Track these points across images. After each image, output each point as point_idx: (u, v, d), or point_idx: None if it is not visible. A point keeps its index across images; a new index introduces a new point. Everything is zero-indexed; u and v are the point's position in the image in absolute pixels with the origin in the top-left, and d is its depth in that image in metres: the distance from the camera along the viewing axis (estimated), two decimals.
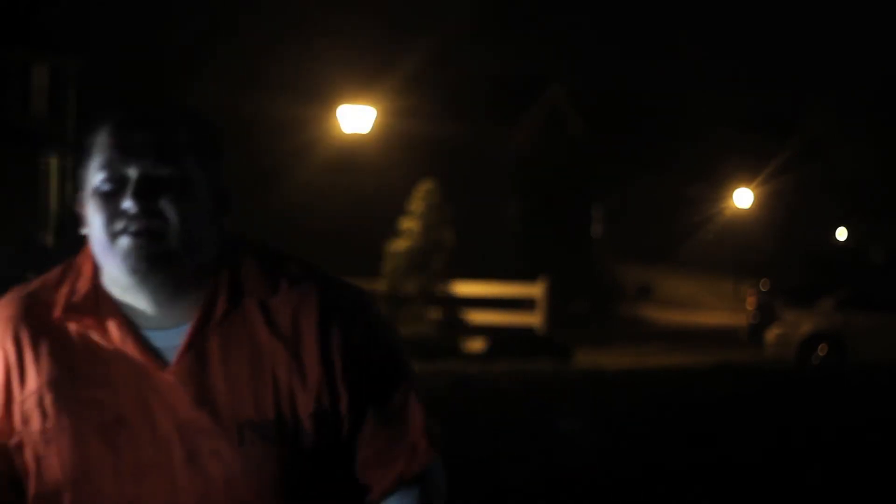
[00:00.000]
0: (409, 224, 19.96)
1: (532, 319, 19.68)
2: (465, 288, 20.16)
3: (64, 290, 1.79)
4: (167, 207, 1.70)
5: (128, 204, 1.69)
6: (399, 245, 19.82)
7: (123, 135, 1.73)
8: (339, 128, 22.01)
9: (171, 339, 1.76)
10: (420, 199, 20.03)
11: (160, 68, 29.07)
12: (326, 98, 23.83)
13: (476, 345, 18.32)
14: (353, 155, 27.43)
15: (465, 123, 32.65)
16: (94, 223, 1.72)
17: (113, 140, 1.73)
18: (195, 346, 1.75)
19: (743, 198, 40.64)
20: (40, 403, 1.77)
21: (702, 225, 43.20)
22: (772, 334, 19.67)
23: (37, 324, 1.79)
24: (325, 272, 1.87)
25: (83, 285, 1.79)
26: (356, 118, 21.59)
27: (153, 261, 1.70)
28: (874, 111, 45.05)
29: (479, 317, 19.87)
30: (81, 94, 27.46)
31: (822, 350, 19.04)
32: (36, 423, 1.77)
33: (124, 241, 1.70)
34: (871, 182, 44.24)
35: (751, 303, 26.15)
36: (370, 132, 22.40)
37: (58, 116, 26.99)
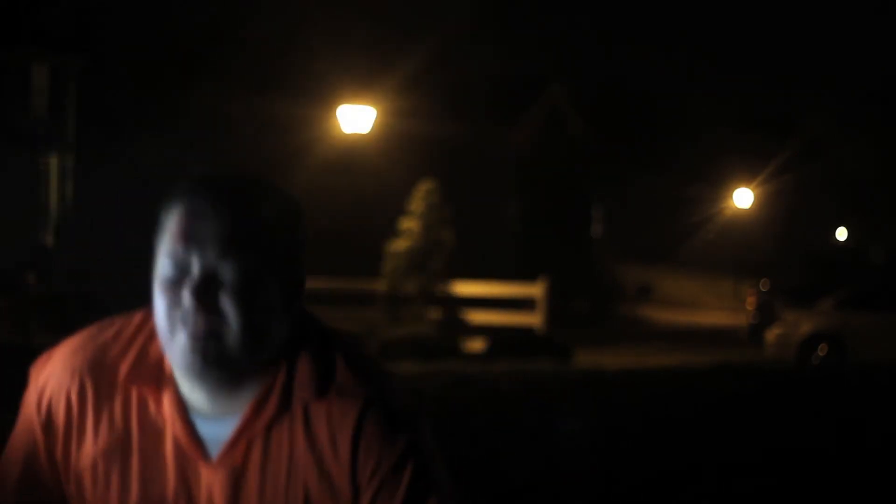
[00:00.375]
0: (409, 224, 19.96)
1: (532, 319, 19.68)
2: (465, 288, 20.17)
3: (133, 351, 1.76)
4: (228, 305, 1.64)
5: (187, 298, 1.63)
6: (399, 245, 19.83)
7: (190, 224, 1.64)
8: (339, 128, 22.00)
9: (219, 430, 1.73)
10: (420, 199, 20.03)
11: (161, 68, 29.06)
12: (326, 98, 23.84)
13: (476, 345, 18.31)
14: (353, 155, 27.43)
15: (465, 123, 32.66)
16: (158, 306, 1.68)
17: (179, 229, 1.65)
18: (238, 447, 1.72)
19: (743, 198, 40.66)
20: (93, 470, 1.76)
21: (702, 225, 43.21)
22: (772, 334, 19.67)
23: (103, 382, 1.76)
24: (379, 380, 1.77)
25: (153, 351, 1.75)
26: (356, 118, 21.59)
27: (209, 361, 1.65)
28: (874, 111, 45.04)
29: (479, 317, 19.87)
30: (81, 94, 27.46)
31: (822, 350, 19.04)
32: (87, 487, 1.77)
33: (181, 338, 1.65)
34: (871, 182, 44.22)
35: (751, 303, 26.18)
36: (370, 132, 22.40)
37: (58, 116, 26.98)
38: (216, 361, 1.65)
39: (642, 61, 44.62)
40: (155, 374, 1.74)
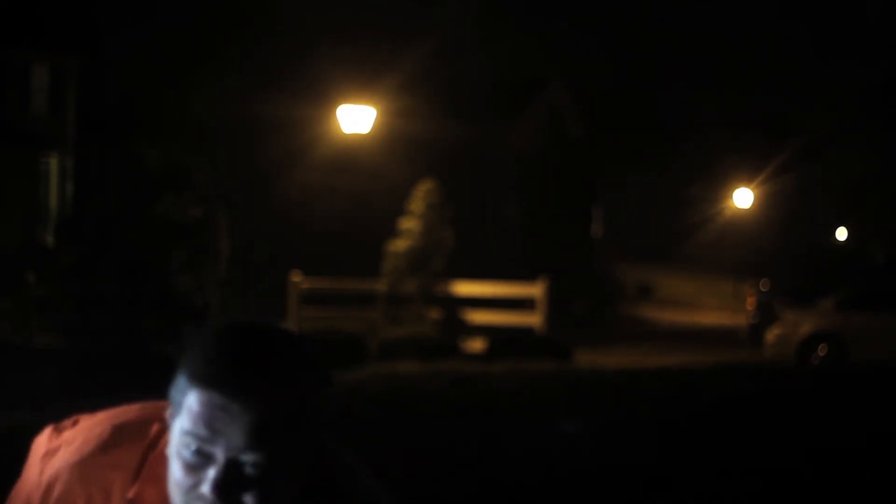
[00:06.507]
0: (409, 224, 19.96)
1: (532, 319, 19.67)
2: (465, 288, 20.17)
3: (146, 486, 1.64)
4: (250, 498, 1.51)
5: (206, 489, 1.51)
6: (399, 245, 19.82)
7: (215, 415, 1.50)
8: (339, 128, 22.01)
9: None
10: (420, 199, 20.03)
11: (161, 68, 29.06)
12: (326, 98, 23.84)
13: (476, 345, 18.31)
14: (353, 155, 27.44)
15: (464, 123, 32.68)
16: (173, 474, 1.55)
17: (202, 417, 1.51)
18: None
19: (743, 198, 40.66)
20: None
21: (702, 225, 43.21)
22: (772, 334, 19.67)
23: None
24: None
25: (152, 496, 1.64)
26: (356, 118, 21.60)
27: None
28: (874, 111, 45.06)
29: (479, 317, 19.87)
30: (81, 94, 27.48)
31: (822, 350, 19.04)
32: None
33: None
34: (871, 182, 44.25)
35: (751, 303, 26.17)
36: (370, 132, 22.41)
37: (58, 116, 27.01)
38: None
39: (643, 61, 44.64)
40: None
